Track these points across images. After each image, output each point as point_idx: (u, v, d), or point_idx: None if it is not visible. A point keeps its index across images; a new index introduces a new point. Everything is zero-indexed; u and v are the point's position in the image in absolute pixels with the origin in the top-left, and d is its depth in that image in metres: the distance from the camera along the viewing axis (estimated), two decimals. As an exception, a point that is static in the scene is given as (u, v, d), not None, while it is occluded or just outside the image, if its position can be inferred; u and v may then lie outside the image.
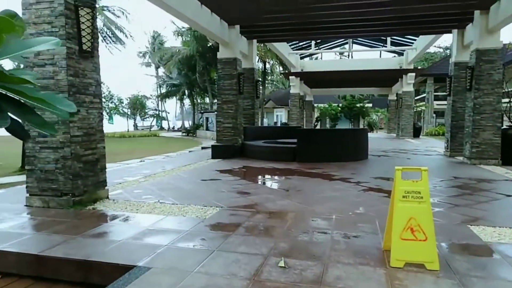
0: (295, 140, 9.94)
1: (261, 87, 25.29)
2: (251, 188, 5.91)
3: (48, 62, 4.36)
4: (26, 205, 4.50)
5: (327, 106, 38.23)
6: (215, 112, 11.27)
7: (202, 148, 16.91)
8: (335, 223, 3.93)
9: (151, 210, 4.37)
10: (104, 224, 3.81)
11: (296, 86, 22.39)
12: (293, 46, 19.14)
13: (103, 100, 34.62)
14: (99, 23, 31.71)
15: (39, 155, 4.46)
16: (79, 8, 4.45)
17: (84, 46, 4.52)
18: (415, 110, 26.47)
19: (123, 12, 32.48)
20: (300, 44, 19.52)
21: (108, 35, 32.67)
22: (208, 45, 26.97)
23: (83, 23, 4.48)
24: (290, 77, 22.19)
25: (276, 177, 7.23)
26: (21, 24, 1.47)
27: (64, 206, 4.37)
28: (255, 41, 12.76)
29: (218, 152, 10.25)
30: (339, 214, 4.28)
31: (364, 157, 10.23)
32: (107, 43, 32.78)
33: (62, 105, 1.36)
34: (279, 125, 41.39)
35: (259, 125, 22.17)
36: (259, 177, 7.52)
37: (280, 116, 43.27)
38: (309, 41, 18.96)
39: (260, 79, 25.28)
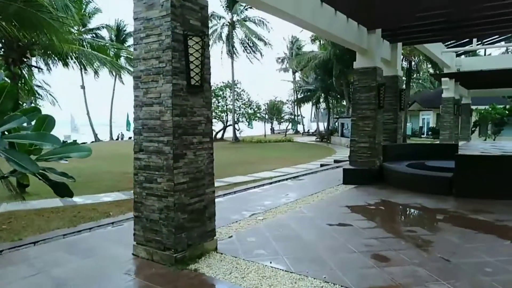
0: (450, 163, 7.90)
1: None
2: (390, 247, 4.52)
3: (155, 101, 3.94)
4: (133, 254, 4.21)
5: (489, 108, 31.85)
6: (351, 118, 9.91)
7: (335, 161, 15.65)
8: None
9: (258, 282, 3.51)
10: (199, 304, 3.12)
11: (450, 89, 18.91)
12: (447, 43, 16.04)
13: (243, 107, 36.88)
14: (241, 34, 33.49)
15: (146, 202, 4.10)
16: (188, 38, 3.90)
17: (193, 80, 3.96)
18: None
19: (263, 22, 33.50)
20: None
21: (248, 44, 34.26)
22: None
23: (191, 54, 3.92)
24: (443, 79, 18.87)
25: (425, 227, 5.57)
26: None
27: (166, 262, 3.89)
28: (399, 44, 10.86)
29: (350, 177, 8.89)
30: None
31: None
32: (248, 53, 34.43)
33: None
34: (425, 130, 36.67)
35: (401, 137, 19.58)
36: (401, 224, 6.00)
37: (427, 119, 38.20)
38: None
39: (405, 83, 22.48)
